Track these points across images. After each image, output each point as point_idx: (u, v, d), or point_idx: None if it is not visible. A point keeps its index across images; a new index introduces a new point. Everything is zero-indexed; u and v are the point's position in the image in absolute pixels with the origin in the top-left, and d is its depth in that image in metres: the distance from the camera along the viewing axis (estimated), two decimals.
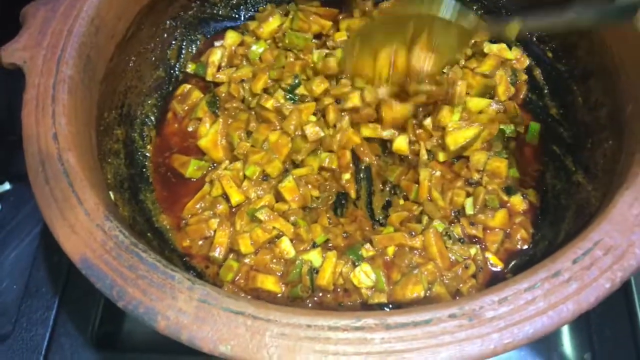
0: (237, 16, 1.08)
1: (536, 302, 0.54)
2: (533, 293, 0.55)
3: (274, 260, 0.83)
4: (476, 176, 0.89)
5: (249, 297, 0.81)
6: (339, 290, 0.82)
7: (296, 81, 0.94)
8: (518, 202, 0.87)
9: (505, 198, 0.87)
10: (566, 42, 0.93)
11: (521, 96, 0.98)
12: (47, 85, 0.70)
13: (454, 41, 0.82)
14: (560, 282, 0.55)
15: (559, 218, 0.83)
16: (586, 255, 0.57)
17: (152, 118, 0.98)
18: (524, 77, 0.99)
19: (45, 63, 0.72)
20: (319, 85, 0.93)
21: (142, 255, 0.58)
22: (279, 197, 0.88)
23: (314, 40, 1.02)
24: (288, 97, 0.94)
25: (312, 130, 0.90)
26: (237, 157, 0.92)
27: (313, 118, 0.93)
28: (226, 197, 0.89)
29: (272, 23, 1.03)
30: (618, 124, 0.76)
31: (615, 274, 0.56)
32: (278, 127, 0.93)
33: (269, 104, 0.93)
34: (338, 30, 1.04)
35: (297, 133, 0.91)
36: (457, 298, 0.74)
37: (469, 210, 0.86)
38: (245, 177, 0.90)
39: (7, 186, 1.04)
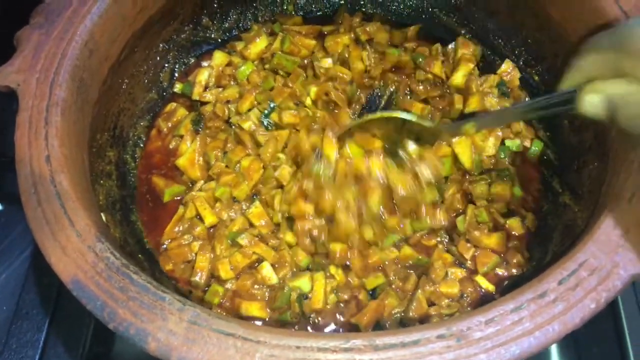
0: (228, 39, 1.10)
1: (523, 323, 0.55)
2: (519, 314, 0.55)
3: (256, 286, 0.83)
4: (483, 203, 0.89)
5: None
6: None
7: (271, 105, 0.95)
8: (516, 225, 0.88)
9: (501, 221, 0.88)
10: (552, 66, 0.95)
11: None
12: (40, 108, 0.71)
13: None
14: (546, 302, 0.56)
15: (546, 239, 0.84)
16: (571, 276, 0.58)
17: (144, 139, 0.98)
18: (516, 83, 0.99)
19: (39, 86, 0.73)
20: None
21: (133, 277, 0.59)
22: (249, 222, 0.88)
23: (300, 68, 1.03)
24: (264, 122, 0.95)
25: (283, 173, 0.89)
26: (212, 177, 0.92)
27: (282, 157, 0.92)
28: (201, 219, 0.89)
29: (259, 44, 1.04)
30: (603, 146, 0.77)
31: (600, 294, 0.57)
32: (251, 152, 0.93)
33: (246, 125, 0.93)
34: (324, 46, 1.05)
35: (271, 163, 0.91)
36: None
37: (460, 227, 0.87)
38: (216, 198, 0.90)
39: None
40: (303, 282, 0.82)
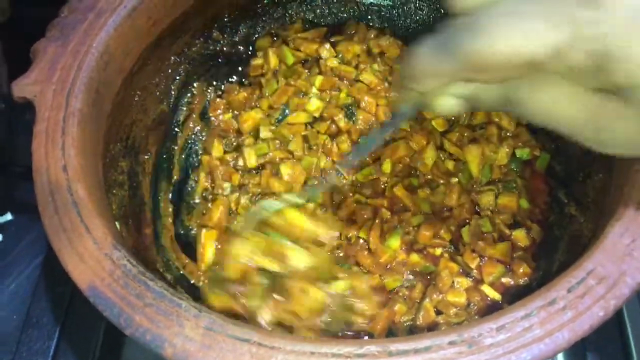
0: (236, 51, 1.11)
1: (533, 330, 0.56)
2: (530, 321, 0.56)
3: None
4: (488, 214, 0.90)
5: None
6: None
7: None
8: (522, 237, 0.89)
9: (507, 232, 0.89)
10: None
11: None
12: (57, 119, 0.72)
13: None
14: (555, 310, 0.57)
15: (552, 249, 0.85)
16: (580, 284, 0.59)
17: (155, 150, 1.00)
18: None
19: (55, 97, 0.75)
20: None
21: (149, 284, 0.60)
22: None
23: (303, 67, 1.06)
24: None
25: None
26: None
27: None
28: None
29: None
30: (607, 157, 0.78)
31: (609, 302, 0.58)
32: None
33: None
34: (334, 50, 1.07)
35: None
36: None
37: (465, 237, 0.88)
38: None
39: (8, 216, 1.04)
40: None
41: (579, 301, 0.58)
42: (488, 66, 0.45)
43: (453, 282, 0.85)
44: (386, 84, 1.02)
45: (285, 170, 0.92)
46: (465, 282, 0.85)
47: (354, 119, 1.01)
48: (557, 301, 0.58)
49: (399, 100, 0.59)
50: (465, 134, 0.97)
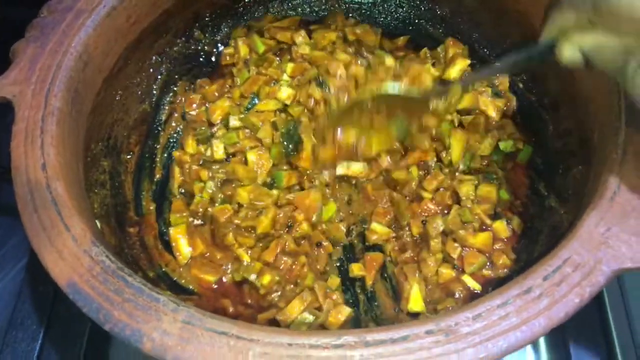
0: (218, 51, 1.11)
1: (509, 318, 0.56)
2: (506, 309, 0.57)
3: None
4: (468, 203, 0.90)
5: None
6: None
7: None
8: (502, 228, 0.89)
9: (488, 222, 0.89)
10: (536, 74, 0.97)
11: (513, 105, 1.00)
12: (36, 118, 0.73)
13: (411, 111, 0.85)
14: (531, 298, 0.58)
15: (533, 241, 0.86)
16: (556, 272, 0.59)
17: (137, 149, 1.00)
18: (507, 86, 1.01)
19: (34, 97, 0.75)
20: None
21: (127, 279, 0.60)
22: None
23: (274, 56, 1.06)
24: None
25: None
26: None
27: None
28: None
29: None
30: (587, 149, 0.79)
31: (584, 289, 0.59)
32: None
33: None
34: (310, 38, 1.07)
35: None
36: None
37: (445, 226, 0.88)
38: None
39: None
40: None
41: (555, 289, 0.58)
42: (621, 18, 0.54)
43: (437, 271, 0.85)
44: (359, 62, 1.02)
45: (252, 157, 0.93)
46: (449, 272, 0.86)
47: (327, 89, 0.98)
48: (533, 289, 0.58)
49: (543, 32, 0.65)
50: (452, 118, 0.98)
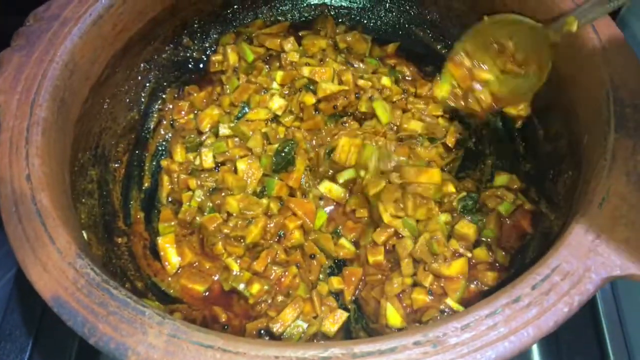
0: (207, 57, 1.11)
1: (497, 328, 0.56)
2: (494, 319, 0.56)
3: None
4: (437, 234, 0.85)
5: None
6: None
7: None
8: (483, 255, 0.86)
9: (464, 252, 0.85)
10: None
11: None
12: (21, 128, 0.72)
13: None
14: (520, 307, 0.57)
15: (524, 247, 0.85)
16: (545, 281, 0.59)
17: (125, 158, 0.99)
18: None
19: (20, 106, 0.74)
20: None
21: (112, 292, 0.59)
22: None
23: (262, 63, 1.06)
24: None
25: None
26: None
27: None
28: None
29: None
30: (576, 154, 0.79)
31: (573, 298, 0.58)
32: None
33: None
34: (300, 45, 1.07)
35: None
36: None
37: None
38: None
39: None
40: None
41: (544, 298, 0.58)
42: None
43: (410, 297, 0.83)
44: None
45: (242, 166, 0.92)
46: (422, 297, 0.82)
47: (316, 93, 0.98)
48: (521, 298, 0.58)
49: None
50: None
